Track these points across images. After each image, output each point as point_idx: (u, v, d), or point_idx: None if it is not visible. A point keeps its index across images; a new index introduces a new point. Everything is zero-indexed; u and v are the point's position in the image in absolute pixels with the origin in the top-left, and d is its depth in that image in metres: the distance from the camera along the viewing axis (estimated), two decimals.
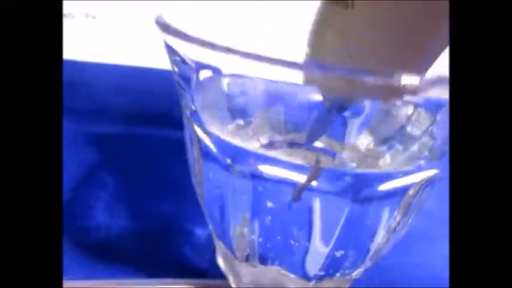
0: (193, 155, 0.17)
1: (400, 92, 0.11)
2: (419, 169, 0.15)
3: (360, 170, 0.15)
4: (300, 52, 0.15)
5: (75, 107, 0.30)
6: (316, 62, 0.14)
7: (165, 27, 0.13)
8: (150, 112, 0.31)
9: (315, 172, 0.14)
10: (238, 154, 0.14)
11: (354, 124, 0.17)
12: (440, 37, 0.13)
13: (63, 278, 0.18)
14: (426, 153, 0.15)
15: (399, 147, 0.16)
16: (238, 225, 0.16)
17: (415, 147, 0.15)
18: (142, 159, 0.26)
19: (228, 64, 0.13)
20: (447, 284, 0.11)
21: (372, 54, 0.13)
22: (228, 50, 0.12)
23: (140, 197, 0.23)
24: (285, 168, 0.14)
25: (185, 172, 0.19)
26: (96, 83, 0.32)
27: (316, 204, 0.14)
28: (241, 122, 0.15)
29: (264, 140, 0.16)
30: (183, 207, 0.22)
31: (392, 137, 0.16)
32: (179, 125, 0.17)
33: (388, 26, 0.13)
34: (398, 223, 0.16)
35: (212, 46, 0.12)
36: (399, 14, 0.13)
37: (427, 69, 0.14)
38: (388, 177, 0.14)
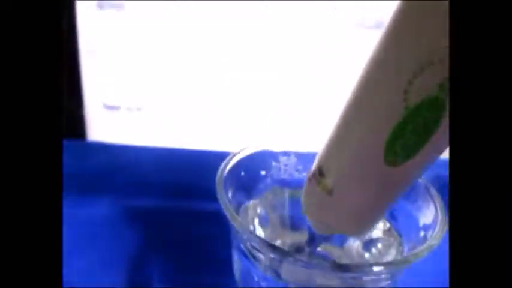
0: (234, 250, 0.21)
1: None
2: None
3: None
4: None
5: (122, 187, 0.35)
6: None
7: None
8: (188, 188, 0.34)
9: None
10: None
11: None
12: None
13: None
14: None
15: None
16: None
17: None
18: (184, 234, 0.30)
19: None
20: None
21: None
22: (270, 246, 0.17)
23: (183, 270, 0.27)
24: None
25: (219, 245, 0.23)
26: (140, 164, 0.37)
27: None
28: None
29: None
30: (221, 279, 0.26)
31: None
32: (211, 199, 0.21)
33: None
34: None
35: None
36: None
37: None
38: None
